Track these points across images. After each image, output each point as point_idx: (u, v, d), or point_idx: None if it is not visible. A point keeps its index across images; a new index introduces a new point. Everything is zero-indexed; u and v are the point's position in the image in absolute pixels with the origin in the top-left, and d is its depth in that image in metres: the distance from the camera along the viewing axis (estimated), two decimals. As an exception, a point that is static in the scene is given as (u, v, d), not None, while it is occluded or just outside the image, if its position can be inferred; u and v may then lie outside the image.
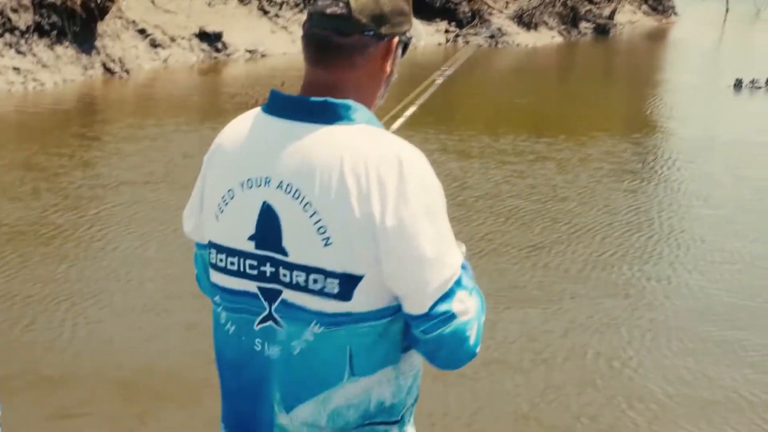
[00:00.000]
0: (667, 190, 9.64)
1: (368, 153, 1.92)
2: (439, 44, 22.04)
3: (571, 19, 24.96)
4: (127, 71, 15.30)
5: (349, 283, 1.94)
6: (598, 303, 6.47)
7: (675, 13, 30.74)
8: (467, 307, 1.97)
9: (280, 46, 18.98)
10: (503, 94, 16.71)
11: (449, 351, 1.99)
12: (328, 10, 1.99)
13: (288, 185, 1.95)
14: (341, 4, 1.98)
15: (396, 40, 2.05)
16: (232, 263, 2.05)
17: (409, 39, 2.11)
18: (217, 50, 17.88)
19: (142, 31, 16.64)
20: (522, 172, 10.09)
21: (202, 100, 14.05)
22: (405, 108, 2.86)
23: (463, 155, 10.81)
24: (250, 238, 2.00)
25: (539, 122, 13.43)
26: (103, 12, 15.14)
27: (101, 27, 15.33)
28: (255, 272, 2.02)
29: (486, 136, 11.96)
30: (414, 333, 1.99)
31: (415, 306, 1.94)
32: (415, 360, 2.09)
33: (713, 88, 16.78)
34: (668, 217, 8.55)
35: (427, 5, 22.81)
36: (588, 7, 25.85)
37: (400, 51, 2.09)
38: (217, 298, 2.12)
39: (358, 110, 1.99)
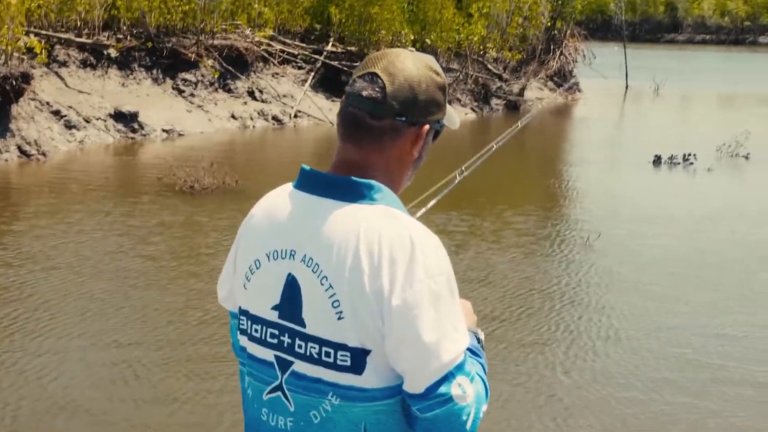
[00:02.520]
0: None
1: (383, 232, 1.96)
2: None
3: (483, 96, 25.13)
4: (44, 154, 14.65)
5: (360, 357, 1.96)
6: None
7: (579, 90, 31.28)
8: (466, 392, 1.97)
9: (197, 125, 18.57)
10: (422, 170, 16.46)
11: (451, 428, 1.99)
12: (365, 93, 2.05)
13: (309, 259, 2.00)
14: (377, 89, 2.04)
15: (427, 127, 2.12)
16: (256, 330, 2.11)
17: (442, 126, 2.20)
18: (134, 130, 17.31)
19: (56, 113, 16.00)
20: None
21: (122, 182, 13.49)
22: (428, 199, 3.15)
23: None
24: (274, 307, 2.06)
25: (457, 197, 13.29)
26: (18, 94, 14.49)
27: (15, 109, 14.69)
28: (275, 341, 2.06)
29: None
30: (412, 411, 2.00)
31: (413, 385, 1.96)
32: None
33: (633, 164, 16.86)
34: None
35: (343, 83, 22.46)
36: (498, 84, 26.10)
37: (431, 137, 2.17)
38: (244, 362, 2.18)
39: (381, 191, 2.04)
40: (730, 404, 6.24)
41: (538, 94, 28.28)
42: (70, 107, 16.51)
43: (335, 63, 22.74)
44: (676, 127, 24.39)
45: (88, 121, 16.60)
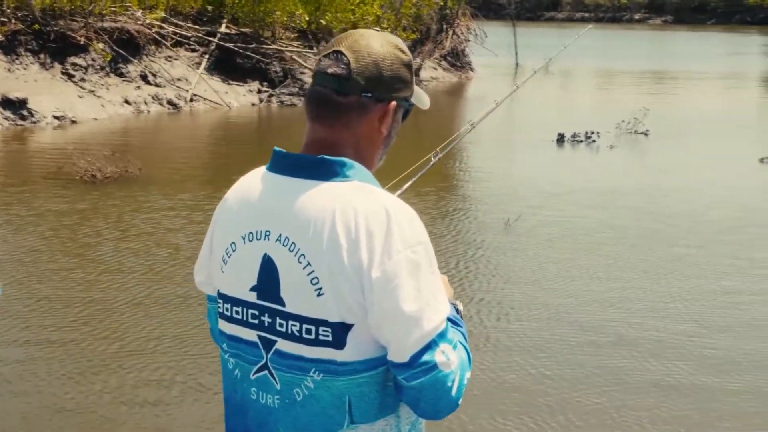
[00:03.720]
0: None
1: (358, 207, 1.99)
2: (253, 105, 21.41)
3: (380, 77, 24.83)
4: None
5: (341, 332, 1.99)
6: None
7: (472, 69, 31.42)
8: (450, 359, 2.01)
9: (89, 111, 17.86)
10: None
11: (430, 400, 2.04)
12: (329, 70, 2.09)
13: (285, 238, 2.04)
14: (342, 66, 2.08)
15: (394, 104, 2.14)
16: (236, 312, 2.13)
17: (411, 105, 2.22)
18: (23, 117, 16.55)
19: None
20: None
21: (18, 171, 12.77)
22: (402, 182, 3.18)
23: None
24: (252, 288, 2.10)
25: None
26: None
27: None
28: (256, 321, 2.09)
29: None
30: (398, 380, 2.04)
31: (397, 355, 1.99)
32: None
33: (536, 143, 16.82)
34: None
35: (238, 66, 22.28)
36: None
37: (400, 115, 2.20)
38: (224, 345, 2.19)
39: (353, 168, 2.07)
40: (630, 360, 6.51)
41: (433, 74, 28.24)
42: (-46, 95, 15.65)
43: (230, 45, 22.18)
44: (570, 105, 24.66)
45: (-27, 110, 15.76)
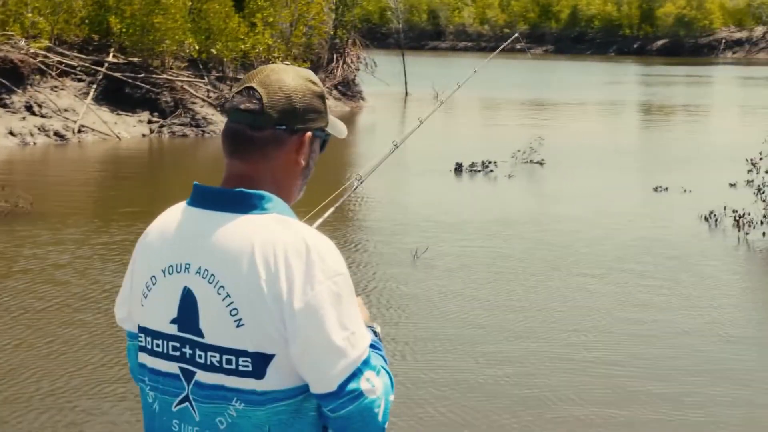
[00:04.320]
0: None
1: (277, 239, 2.03)
2: (144, 135, 20.93)
3: (271, 106, 24.58)
4: None
5: (261, 362, 2.02)
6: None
7: (362, 98, 31.41)
8: (375, 385, 2.06)
9: None
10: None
11: (358, 428, 2.07)
12: (242, 106, 2.12)
13: (205, 270, 2.07)
14: (255, 101, 2.11)
15: (309, 135, 2.17)
16: (157, 345, 2.14)
17: (327, 135, 2.25)
18: None
19: None
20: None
21: None
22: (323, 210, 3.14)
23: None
24: (173, 321, 2.10)
25: None
26: None
27: None
28: (177, 353, 2.10)
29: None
30: (323, 412, 2.07)
31: (323, 385, 2.02)
32: None
33: (433, 172, 16.79)
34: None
35: (128, 96, 21.77)
36: (287, 94, 25.63)
37: (317, 146, 2.23)
38: (146, 379, 2.18)
39: (272, 201, 2.11)
40: (539, 390, 6.60)
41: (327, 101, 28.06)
42: None
43: (118, 74, 21.67)
44: (463, 134, 24.78)
45: None
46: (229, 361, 2.05)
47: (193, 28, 23.55)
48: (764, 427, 6.23)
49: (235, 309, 2.03)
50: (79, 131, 19.48)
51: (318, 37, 27.49)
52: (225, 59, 24.03)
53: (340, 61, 29.87)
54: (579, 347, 7.44)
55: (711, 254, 10.72)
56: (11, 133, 18.14)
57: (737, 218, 11.66)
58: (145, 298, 2.16)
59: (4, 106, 18.88)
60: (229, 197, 2.11)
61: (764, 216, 11.52)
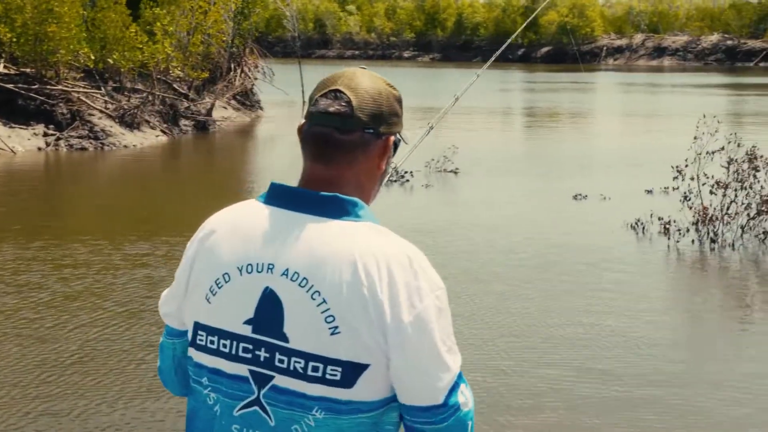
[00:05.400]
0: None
1: (378, 248, 2.00)
2: (40, 149, 20.18)
3: (171, 117, 24.21)
4: None
5: (353, 372, 1.99)
6: None
7: (261, 108, 31.12)
8: (467, 398, 2.08)
9: None
10: (111, 200, 15.68)
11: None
12: (331, 109, 2.08)
13: (295, 273, 2.02)
14: (343, 103, 2.08)
15: (392, 138, 2.18)
16: (224, 345, 2.08)
17: (400, 140, 2.23)
18: None
19: None
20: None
21: None
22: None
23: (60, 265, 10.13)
24: (247, 321, 2.06)
25: (144, 226, 12.91)
26: None
27: None
28: (249, 355, 2.05)
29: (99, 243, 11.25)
30: (413, 424, 2.06)
31: (428, 398, 2.02)
32: None
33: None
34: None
35: (21, 108, 20.96)
36: (186, 105, 25.26)
37: (394, 150, 2.22)
38: (204, 380, 2.13)
39: (364, 208, 2.09)
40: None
41: (224, 114, 27.64)
42: None
43: (10, 86, 20.81)
44: None
45: None
46: (315, 369, 2.00)
47: (88, 37, 22.91)
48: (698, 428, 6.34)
49: (332, 316, 1.99)
50: (-28, 146, 18.63)
51: (216, 46, 26.97)
52: (122, 69, 23.36)
53: (238, 71, 29.43)
54: (503, 353, 7.53)
55: (640, 262, 10.80)
56: None
57: (665, 226, 11.76)
58: (213, 295, 2.11)
59: None
60: (321, 200, 2.08)
61: (693, 223, 11.64)
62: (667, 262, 10.93)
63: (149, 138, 22.51)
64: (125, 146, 21.33)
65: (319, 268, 2.02)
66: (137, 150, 21.25)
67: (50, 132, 20.82)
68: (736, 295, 9.77)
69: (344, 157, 2.12)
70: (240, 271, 2.09)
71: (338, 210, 2.08)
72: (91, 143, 20.86)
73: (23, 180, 17.10)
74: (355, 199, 2.10)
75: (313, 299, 2.01)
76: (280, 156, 22.47)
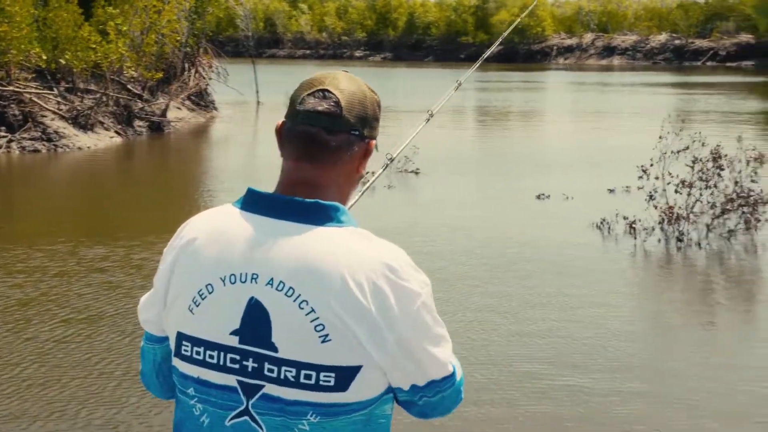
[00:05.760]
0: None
1: (364, 255, 2.02)
2: (-6, 151, 19.74)
3: (126, 118, 23.96)
4: None
5: (346, 376, 2.01)
6: None
7: (215, 108, 30.94)
8: (456, 367, 2.19)
9: None
10: (65, 202, 15.59)
11: (449, 405, 2.21)
12: (320, 107, 2.09)
13: (280, 282, 2.02)
14: (332, 103, 2.09)
15: (374, 142, 2.19)
16: (211, 356, 2.08)
17: (375, 145, 2.24)
18: None
19: None
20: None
21: None
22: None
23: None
24: (234, 332, 2.05)
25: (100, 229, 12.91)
26: None
27: None
28: (237, 366, 2.05)
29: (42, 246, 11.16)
30: (414, 399, 2.14)
31: (437, 372, 2.12)
32: None
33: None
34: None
35: None
36: (140, 105, 25.00)
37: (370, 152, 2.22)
38: (190, 390, 2.13)
39: (345, 213, 2.10)
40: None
41: (178, 114, 27.40)
42: None
43: (-39, 87, 20.41)
44: None
45: None
46: (308, 377, 2.01)
47: (39, 37, 22.59)
48: (664, 416, 6.45)
49: (321, 325, 1.99)
50: None
51: (170, 46, 26.71)
52: (75, 69, 23.06)
53: (192, 71, 29.20)
54: (480, 347, 7.63)
55: (606, 261, 10.90)
56: None
57: (631, 225, 11.88)
58: (197, 306, 2.09)
59: None
60: (304, 207, 2.07)
61: (658, 223, 11.75)
62: (633, 261, 11.01)
63: (103, 139, 22.23)
64: (79, 148, 21.08)
65: (306, 276, 2.02)
66: (91, 152, 20.99)
67: (1, 134, 20.48)
68: (702, 293, 9.90)
69: (330, 157, 2.11)
70: (223, 281, 2.08)
71: (321, 216, 2.07)
72: (44, 145, 20.56)
73: None
74: (337, 204, 2.10)
75: (301, 308, 2.01)
76: (236, 156, 22.60)
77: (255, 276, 2.05)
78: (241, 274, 2.07)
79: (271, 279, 2.04)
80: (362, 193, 3.09)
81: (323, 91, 2.11)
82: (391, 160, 3.58)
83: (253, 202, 2.12)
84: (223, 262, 2.09)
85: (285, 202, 2.10)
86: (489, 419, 6.34)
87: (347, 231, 2.08)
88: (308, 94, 2.12)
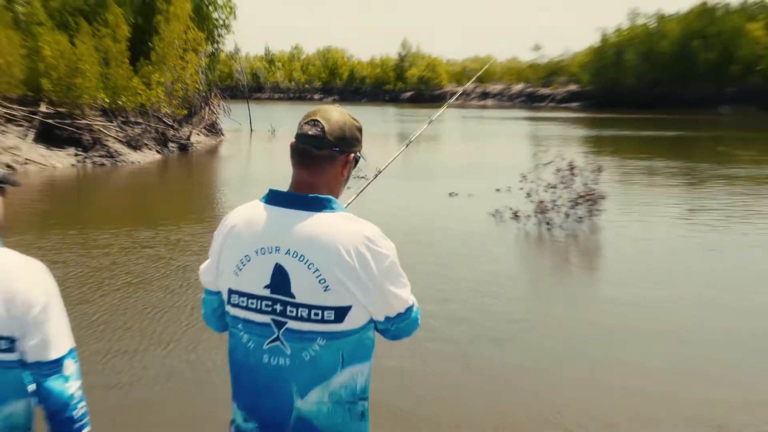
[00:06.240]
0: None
1: (351, 230, 1.99)
2: (72, 165, 19.41)
3: (162, 142, 23.56)
4: None
5: (341, 312, 1.99)
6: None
7: (222, 134, 30.53)
8: (415, 302, 2.15)
9: None
10: (124, 199, 15.23)
11: (410, 329, 2.15)
12: (310, 132, 2.05)
13: (295, 252, 1.98)
14: (318, 129, 2.05)
15: (352, 156, 2.12)
16: (251, 303, 2.04)
17: (359, 157, 2.16)
18: None
19: None
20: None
21: None
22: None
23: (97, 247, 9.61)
24: (266, 287, 2.02)
25: (144, 218, 12.43)
26: None
27: None
28: (269, 309, 2.02)
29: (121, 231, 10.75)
30: (388, 327, 2.09)
31: (402, 306, 2.07)
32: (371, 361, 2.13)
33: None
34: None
35: (58, 136, 20.19)
36: (172, 133, 24.59)
37: (353, 164, 2.15)
38: (239, 326, 2.08)
39: (336, 203, 2.06)
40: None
41: (198, 139, 27.08)
42: None
43: (50, 121, 19.99)
44: (274, 166, 24.31)
45: None
46: (316, 314, 1.99)
47: (104, 86, 22.15)
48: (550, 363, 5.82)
49: (323, 279, 1.97)
50: (25, 163, 17.88)
51: (192, 92, 26.44)
52: (128, 108, 22.69)
53: (206, 108, 28.85)
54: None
55: (499, 238, 10.70)
56: (-28, 166, 16.39)
57: (515, 214, 11.79)
58: (240, 270, 2.05)
59: (-35, 146, 17.02)
60: (308, 200, 2.03)
61: (534, 212, 11.63)
62: (516, 237, 10.81)
63: (148, 157, 21.93)
64: (132, 162, 20.75)
65: (312, 247, 1.98)
66: (140, 165, 20.68)
67: (79, 153, 20.14)
68: (562, 259, 9.74)
69: (318, 166, 2.07)
70: (256, 253, 2.03)
71: (320, 206, 2.03)
72: (108, 161, 20.24)
73: (64, 186, 16.58)
74: (330, 197, 2.06)
75: (309, 269, 1.98)
76: (237, 168, 22.24)
77: (277, 248, 2.01)
78: (268, 247, 2.02)
79: (288, 249, 2.00)
80: (357, 195, 2.99)
81: (314, 120, 2.08)
82: (380, 172, 3.37)
83: (273, 198, 2.07)
84: (255, 240, 2.04)
85: (295, 197, 2.05)
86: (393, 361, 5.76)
87: (338, 215, 2.03)
88: (305, 123, 2.09)
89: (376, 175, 3.43)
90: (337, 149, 2.07)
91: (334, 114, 2.11)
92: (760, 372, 5.76)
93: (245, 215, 2.08)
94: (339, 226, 2.00)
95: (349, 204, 2.61)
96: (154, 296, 7.53)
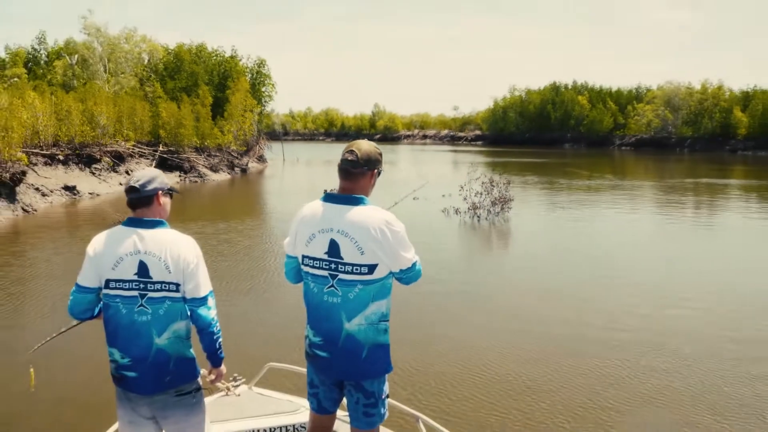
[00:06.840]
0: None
1: (377, 216, 1.90)
2: (177, 182, 19.32)
3: (231, 167, 23.38)
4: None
5: (372, 268, 1.90)
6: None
7: (266, 161, 30.11)
8: (418, 260, 2.00)
9: (97, 188, 15.11)
10: (210, 203, 14.85)
11: (416, 276, 2.00)
12: (349, 157, 1.95)
13: (342, 231, 1.89)
14: (354, 156, 1.95)
15: (375, 171, 2.01)
16: (316, 263, 1.94)
17: (381, 171, 2.04)
18: (74, 194, 13.80)
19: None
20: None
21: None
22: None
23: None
24: (325, 253, 1.92)
25: (221, 215, 11.66)
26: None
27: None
28: (327, 266, 1.93)
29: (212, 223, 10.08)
30: (402, 276, 1.97)
31: (408, 262, 1.95)
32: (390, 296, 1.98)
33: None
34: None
35: (169, 164, 20.28)
36: (237, 161, 24.35)
37: (377, 176, 2.04)
38: (309, 278, 1.98)
39: (366, 200, 1.95)
40: None
41: (252, 165, 26.98)
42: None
43: (165, 155, 20.18)
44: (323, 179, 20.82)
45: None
46: (356, 269, 1.90)
47: (196, 133, 22.12)
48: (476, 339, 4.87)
49: (360, 248, 1.88)
50: (151, 181, 18.01)
51: (248, 135, 26.58)
52: (210, 147, 22.82)
53: (257, 146, 28.88)
54: None
55: (448, 227, 10.16)
56: (120, 184, 16.40)
57: (456, 210, 11.31)
58: (309, 242, 1.95)
59: (117, 173, 17.20)
60: (350, 198, 1.93)
61: (469, 209, 11.13)
62: (459, 227, 10.24)
63: (223, 177, 21.72)
64: (213, 180, 20.57)
65: (353, 227, 1.89)
66: (218, 182, 20.37)
67: (181, 175, 20.20)
68: (487, 240, 9.29)
69: (354, 179, 1.96)
70: (319, 232, 1.93)
71: (357, 202, 1.93)
72: (198, 179, 20.28)
73: (174, 196, 15.93)
74: (363, 196, 1.95)
75: (351, 241, 1.89)
76: (277, 184, 21.33)
77: (331, 229, 1.91)
78: (325, 228, 1.92)
79: (338, 229, 1.90)
80: (396, 204, 2.83)
81: (351, 150, 1.96)
82: (414, 191, 2.89)
83: (328, 198, 1.95)
84: (317, 224, 1.93)
85: (341, 197, 1.94)
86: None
87: (368, 207, 1.93)
88: (346, 151, 1.97)
89: (408, 195, 3.35)
90: (366, 167, 1.95)
91: (364, 145, 1.99)
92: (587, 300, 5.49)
93: (311, 209, 1.98)
94: (369, 214, 1.89)
95: (390, 207, 2.30)
96: (231, 267, 6.96)
